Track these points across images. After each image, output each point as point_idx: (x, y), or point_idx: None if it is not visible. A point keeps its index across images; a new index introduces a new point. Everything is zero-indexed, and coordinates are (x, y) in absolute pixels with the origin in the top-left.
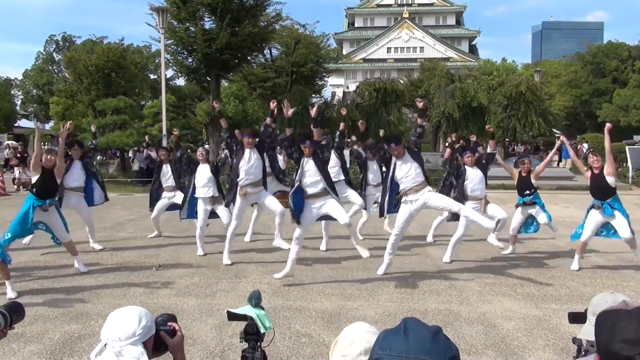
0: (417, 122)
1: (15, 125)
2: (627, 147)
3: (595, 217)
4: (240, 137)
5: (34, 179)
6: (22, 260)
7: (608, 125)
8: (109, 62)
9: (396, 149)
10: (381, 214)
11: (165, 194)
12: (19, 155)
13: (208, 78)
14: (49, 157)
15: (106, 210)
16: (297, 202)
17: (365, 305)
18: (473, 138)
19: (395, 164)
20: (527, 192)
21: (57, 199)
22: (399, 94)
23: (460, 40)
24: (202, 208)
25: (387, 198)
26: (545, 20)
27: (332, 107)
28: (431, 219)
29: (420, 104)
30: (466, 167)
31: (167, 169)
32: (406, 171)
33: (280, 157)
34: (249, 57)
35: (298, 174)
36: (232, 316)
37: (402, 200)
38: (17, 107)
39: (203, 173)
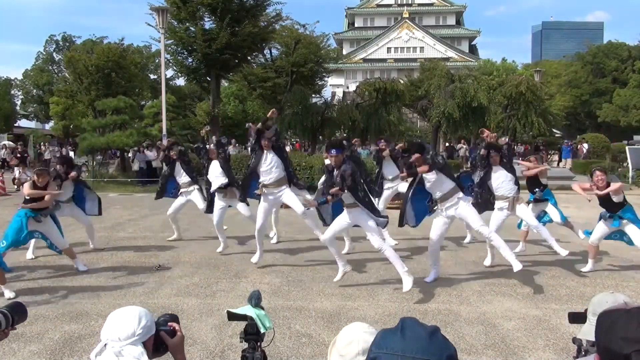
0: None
1: (15, 125)
2: (627, 147)
3: (605, 227)
4: (253, 131)
5: (25, 195)
6: (22, 260)
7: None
8: (109, 62)
9: (418, 160)
10: (401, 224)
11: (182, 190)
12: (18, 155)
13: (208, 78)
14: (40, 179)
15: (106, 210)
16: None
17: (365, 305)
18: (504, 140)
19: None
20: (537, 189)
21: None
22: (399, 94)
23: (460, 40)
24: (218, 205)
25: (407, 208)
26: (545, 20)
27: (332, 107)
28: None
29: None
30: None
31: (178, 167)
32: (438, 185)
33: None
34: (249, 57)
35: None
36: (232, 316)
37: (435, 208)
38: (17, 107)
39: (215, 168)
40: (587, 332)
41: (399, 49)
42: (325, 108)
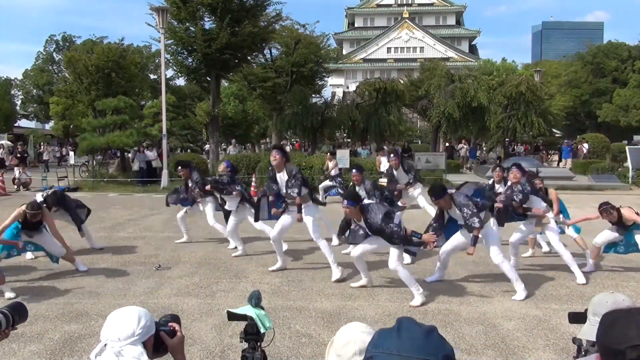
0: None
1: (15, 125)
2: (627, 147)
3: (614, 233)
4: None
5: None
6: (22, 260)
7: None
8: (109, 62)
9: (438, 202)
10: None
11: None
12: (18, 155)
13: (208, 78)
14: (33, 221)
15: (106, 210)
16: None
17: (365, 305)
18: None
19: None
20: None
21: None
22: (399, 94)
23: (460, 40)
24: (233, 219)
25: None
26: (545, 20)
27: (332, 107)
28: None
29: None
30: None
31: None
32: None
33: (330, 164)
34: (249, 57)
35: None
36: (232, 316)
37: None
38: (17, 107)
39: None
40: (587, 332)
41: (399, 49)
42: (325, 108)
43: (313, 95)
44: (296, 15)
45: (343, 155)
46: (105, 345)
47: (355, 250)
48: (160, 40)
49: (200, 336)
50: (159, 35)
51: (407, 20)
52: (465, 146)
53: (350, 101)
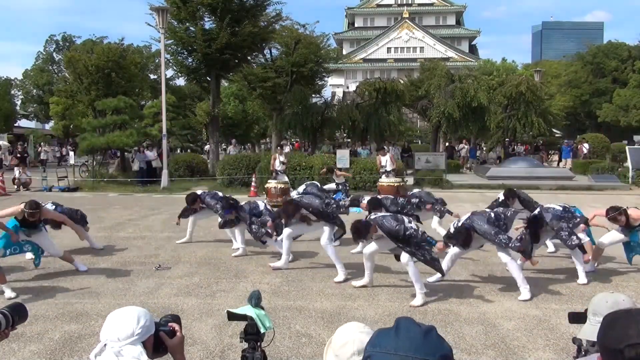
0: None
1: (15, 125)
2: (627, 147)
3: (620, 235)
4: None
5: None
6: (21, 260)
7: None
8: (109, 62)
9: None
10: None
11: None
12: (18, 155)
13: (208, 78)
14: (31, 220)
15: (106, 210)
16: None
17: (365, 305)
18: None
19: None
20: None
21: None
22: (399, 94)
23: (460, 40)
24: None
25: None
26: (545, 20)
27: (332, 107)
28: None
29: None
30: None
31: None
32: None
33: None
34: (249, 57)
35: None
36: (232, 316)
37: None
38: (17, 107)
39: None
40: (587, 332)
41: (399, 49)
42: (325, 108)
43: (313, 95)
44: (296, 15)
45: (343, 155)
46: (105, 345)
47: (369, 247)
48: (160, 40)
49: (200, 336)
50: (159, 35)
51: (407, 20)
52: (466, 146)
53: (350, 101)
